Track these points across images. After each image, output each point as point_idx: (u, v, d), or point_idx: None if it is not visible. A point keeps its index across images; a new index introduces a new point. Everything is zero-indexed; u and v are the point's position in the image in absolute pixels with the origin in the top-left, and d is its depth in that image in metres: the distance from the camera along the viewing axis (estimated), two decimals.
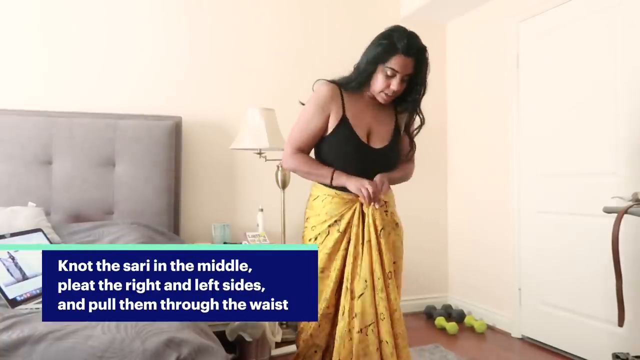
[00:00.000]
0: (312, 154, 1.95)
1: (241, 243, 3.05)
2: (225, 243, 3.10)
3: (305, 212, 1.97)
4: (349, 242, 1.79)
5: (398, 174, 1.90)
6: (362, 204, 1.79)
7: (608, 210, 2.04)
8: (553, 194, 2.92)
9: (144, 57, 3.22)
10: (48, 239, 1.99)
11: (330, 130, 1.82)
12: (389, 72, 1.74)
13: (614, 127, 2.56)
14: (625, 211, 1.90)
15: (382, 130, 1.85)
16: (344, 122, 1.80)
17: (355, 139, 1.80)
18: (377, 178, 1.77)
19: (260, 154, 3.10)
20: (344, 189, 1.79)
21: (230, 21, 3.40)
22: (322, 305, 1.77)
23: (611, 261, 1.92)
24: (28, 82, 3.00)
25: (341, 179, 1.77)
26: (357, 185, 1.73)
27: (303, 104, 1.90)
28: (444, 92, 3.94)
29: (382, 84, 1.76)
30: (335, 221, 1.80)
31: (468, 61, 3.69)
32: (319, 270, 1.78)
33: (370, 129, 1.84)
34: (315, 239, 1.83)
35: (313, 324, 1.79)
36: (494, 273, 3.41)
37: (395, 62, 1.73)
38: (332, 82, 1.85)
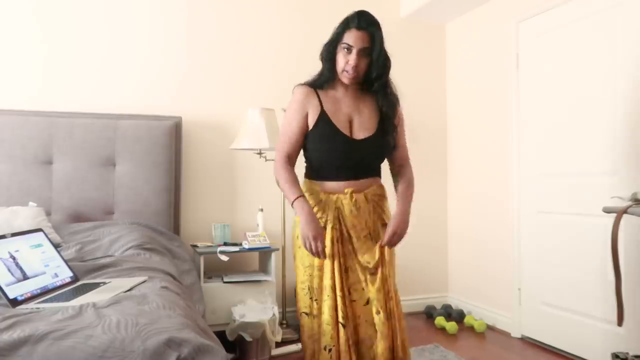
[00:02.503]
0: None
1: (241, 243, 3.05)
2: (225, 243, 3.10)
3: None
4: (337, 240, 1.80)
5: (408, 193, 1.89)
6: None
7: (607, 210, 2.04)
8: (553, 194, 2.92)
9: (144, 57, 3.22)
10: (49, 239, 1.99)
11: (310, 127, 1.83)
12: (345, 47, 1.76)
13: (614, 127, 2.56)
14: (625, 211, 1.90)
15: (364, 121, 1.84)
16: (322, 116, 1.81)
17: (335, 131, 1.79)
18: (396, 226, 1.79)
19: (260, 154, 3.10)
20: (323, 181, 1.83)
21: (230, 21, 3.41)
22: (327, 305, 1.76)
23: (610, 261, 1.92)
24: (28, 82, 3.00)
25: (298, 208, 1.76)
26: (304, 234, 1.73)
27: (285, 110, 1.94)
28: (444, 92, 3.95)
29: (342, 62, 1.78)
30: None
31: (468, 61, 3.69)
32: (310, 266, 1.80)
33: (352, 121, 1.83)
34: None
35: (315, 321, 1.79)
36: (493, 273, 3.41)
37: (348, 37, 1.76)
38: (305, 83, 1.89)
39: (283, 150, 1.86)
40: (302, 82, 1.90)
